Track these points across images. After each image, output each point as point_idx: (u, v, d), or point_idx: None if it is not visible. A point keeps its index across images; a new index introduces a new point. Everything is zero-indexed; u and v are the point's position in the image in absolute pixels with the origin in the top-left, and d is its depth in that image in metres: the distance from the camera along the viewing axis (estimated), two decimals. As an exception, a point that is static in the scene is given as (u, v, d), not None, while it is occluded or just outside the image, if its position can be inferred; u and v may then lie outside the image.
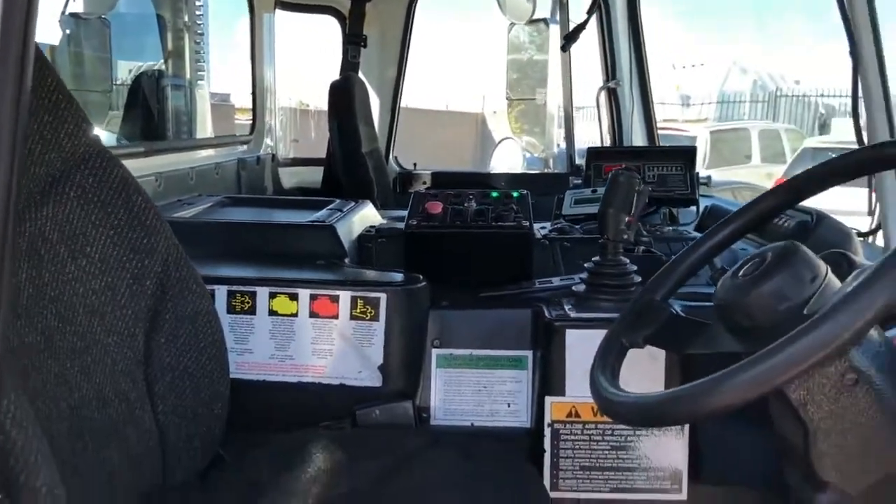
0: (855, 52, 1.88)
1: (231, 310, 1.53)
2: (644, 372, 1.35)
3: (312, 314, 1.53)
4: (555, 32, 3.48)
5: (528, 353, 1.53)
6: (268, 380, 1.53)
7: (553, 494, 1.40)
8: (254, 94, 3.20)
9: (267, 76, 3.25)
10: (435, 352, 1.55)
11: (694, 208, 2.33)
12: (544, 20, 3.50)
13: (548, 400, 1.45)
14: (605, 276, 1.52)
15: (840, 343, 0.87)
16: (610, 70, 3.31)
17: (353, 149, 3.04)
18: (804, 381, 1.01)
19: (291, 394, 1.53)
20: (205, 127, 3.31)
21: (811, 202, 2.01)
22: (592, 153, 2.41)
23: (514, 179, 3.29)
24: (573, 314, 1.48)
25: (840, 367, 1.01)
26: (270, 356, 1.53)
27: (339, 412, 1.52)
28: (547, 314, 1.49)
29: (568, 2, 3.34)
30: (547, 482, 1.45)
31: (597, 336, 1.25)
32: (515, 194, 1.81)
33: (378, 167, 3.27)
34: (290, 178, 3.47)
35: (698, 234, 1.87)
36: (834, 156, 1.24)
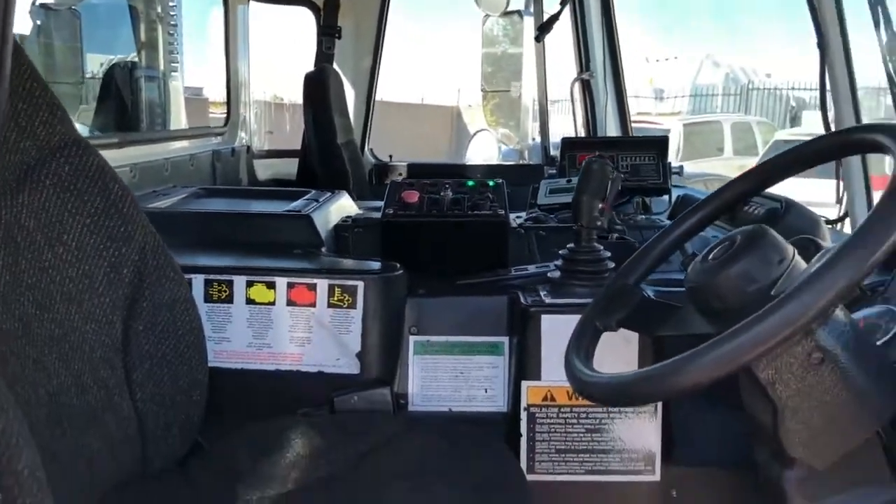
0: (822, 44, 1.93)
1: (208, 298, 1.53)
2: (618, 354, 1.37)
3: (290, 302, 1.53)
4: (529, 24, 3.51)
5: (505, 339, 1.55)
6: (245, 368, 1.54)
7: (529, 477, 1.42)
8: (228, 85, 3.19)
9: (241, 68, 3.24)
10: (412, 339, 1.57)
11: (666, 197, 2.36)
12: (518, 12, 3.52)
13: (524, 384, 1.47)
14: (579, 263, 1.54)
15: (805, 322, 0.89)
16: (584, 61, 3.34)
17: (328, 140, 3.04)
18: (772, 361, 1.04)
19: (269, 382, 1.53)
20: (179, 119, 3.29)
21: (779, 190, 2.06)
22: (567, 143, 2.43)
23: (490, 171, 3.30)
24: (548, 300, 1.50)
25: (807, 347, 1.04)
26: (248, 344, 1.54)
27: (317, 399, 1.53)
28: (523, 300, 1.51)
29: (542, -7, 3.36)
30: (523, 465, 1.47)
31: (572, 321, 1.27)
32: (491, 183, 1.83)
33: (354, 159, 3.27)
34: (265, 169, 3.46)
35: (670, 223, 1.91)
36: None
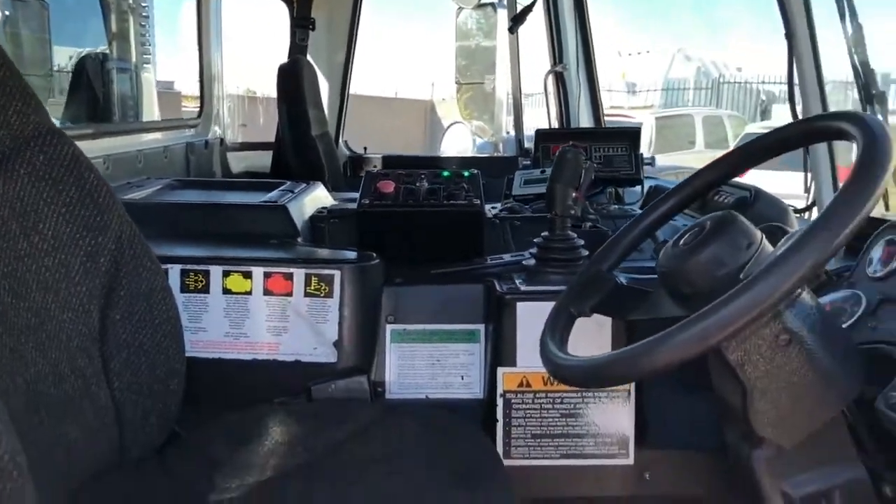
0: (790, 35, 1.96)
1: (185, 288, 1.53)
2: (591, 339, 1.39)
3: (266, 292, 1.54)
4: (503, 17, 3.52)
5: (481, 327, 1.57)
6: (223, 358, 1.54)
7: (506, 462, 1.44)
8: (201, 77, 3.17)
9: (214, 59, 3.21)
10: (389, 327, 1.58)
11: (639, 188, 2.40)
12: (492, 4, 3.54)
13: (500, 371, 1.49)
14: (553, 251, 1.56)
15: (771, 303, 0.92)
16: (557, 54, 3.36)
17: (302, 132, 3.03)
18: (741, 343, 1.07)
19: (246, 371, 1.54)
20: (152, 111, 3.26)
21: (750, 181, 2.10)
22: (540, 135, 2.46)
23: (465, 163, 3.31)
24: (524, 287, 1.52)
25: (774, 329, 1.07)
26: (225, 334, 1.54)
27: (295, 388, 1.54)
28: (498, 288, 1.53)
29: (516, -14, 3.38)
30: (500, 450, 1.49)
31: (547, 308, 1.29)
32: (466, 174, 1.84)
33: (328, 151, 3.27)
34: (238, 162, 3.44)
35: (642, 211, 1.94)
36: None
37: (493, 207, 2.01)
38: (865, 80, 1.80)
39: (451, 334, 1.57)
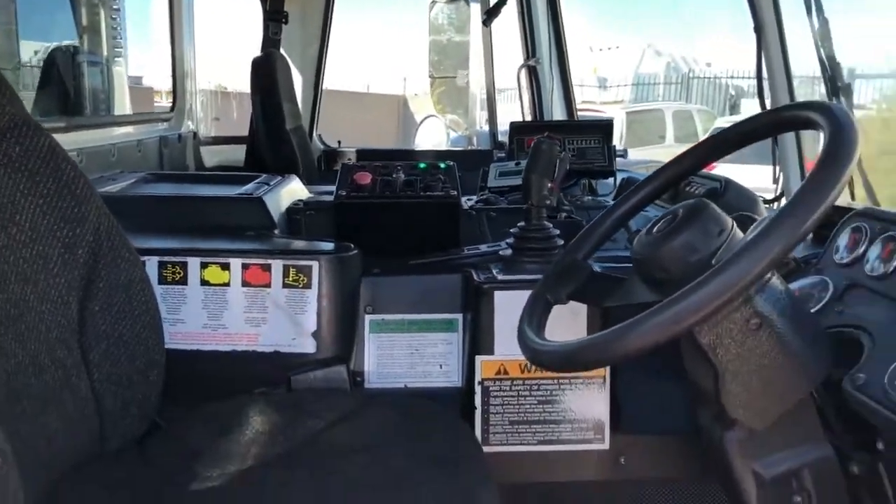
0: (759, 28, 2.00)
1: (162, 280, 1.53)
2: (567, 326, 1.42)
3: (245, 283, 1.54)
4: (476, 11, 3.54)
5: (459, 316, 1.58)
6: (201, 349, 1.54)
7: (484, 449, 1.46)
8: (174, 70, 3.15)
9: (187, 53, 3.19)
10: (368, 318, 1.59)
11: (611, 180, 2.43)
12: (465, -1, 3.55)
13: (478, 359, 1.51)
14: (530, 241, 1.59)
15: (741, 287, 0.95)
16: (530, 48, 3.39)
17: (277, 126, 3.03)
18: (713, 327, 1.10)
19: (225, 362, 1.54)
20: (123, 105, 3.24)
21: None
22: (515, 127, 2.47)
23: (439, 156, 3.33)
24: (501, 277, 1.54)
25: (745, 313, 1.10)
26: (203, 325, 1.54)
27: (274, 379, 1.54)
28: (476, 278, 1.55)
29: (488, -21, 3.40)
30: (478, 437, 1.51)
31: (524, 296, 1.31)
32: (443, 165, 1.86)
33: (302, 145, 3.27)
34: (212, 156, 3.42)
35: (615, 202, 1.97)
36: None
37: (468, 199, 2.03)
38: (832, 72, 1.84)
39: (430, 324, 1.59)
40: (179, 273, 1.54)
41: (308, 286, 1.55)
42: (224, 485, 1.22)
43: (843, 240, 1.40)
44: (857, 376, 1.09)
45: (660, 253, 1.14)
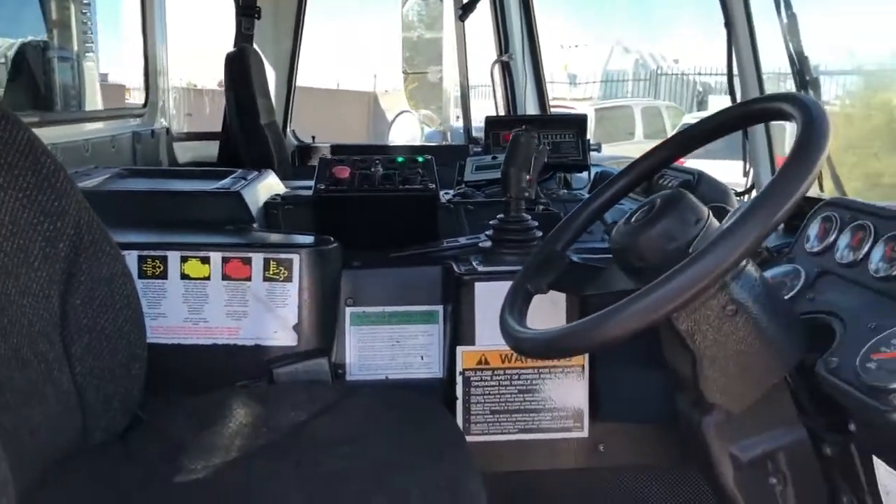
0: (729, 24, 2.04)
1: (142, 275, 1.53)
2: (547, 315, 1.44)
3: (225, 277, 1.54)
4: (449, 7, 3.55)
5: (439, 308, 1.60)
6: (182, 343, 1.54)
7: (466, 438, 1.47)
8: (146, 66, 3.12)
9: (159, 48, 3.17)
10: (349, 310, 1.60)
11: (586, 174, 2.46)
12: (438, -6, 3.56)
13: (459, 350, 1.53)
14: (509, 233, 1.61)
15: (718, 273, 0.97)
16: (503, 44, 3.41)
17: (251, 121, 3.02)
18: (691, 313, 1.13)
19: (206, 356, 1.54)
20: (95, 101, 3.20)
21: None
22: (490, 122, 2.49)
23: (414, 151, 3.32)
24: (481, 268, 1.56)
25: (722, 300, 1.13)
26: (184, 319, 1.54)
27: (256, 372, 1.54)
28: (456, 269, 1.56)
29: (461, -25, 3.41)
30: (460, 427, 1.53)
31: (504, 287, 1.33)
32: (420, 159, 1.87)
33: (276, 140, 3.26)
34: (185, 152, 3.40)
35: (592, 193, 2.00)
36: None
37: (445, 193, 2.04)
38: (800, 67, 1.88)
39: (410, 316, 1.60)
40: (159, 267, 1.54)
41: (289, 279, 1.55)
42: (209, 477, 1.22)
43: (814, 229, 1.43)
44: (829, 360, 1.12)
45: (638, 241, 1.16)
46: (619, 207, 1.58)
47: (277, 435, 1.33)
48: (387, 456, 1.25)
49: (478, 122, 3.61)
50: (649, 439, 1.57)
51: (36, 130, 1.91)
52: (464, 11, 3.29)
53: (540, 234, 1.61)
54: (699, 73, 15.96)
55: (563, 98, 14.37)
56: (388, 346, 1.60)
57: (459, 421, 1.53)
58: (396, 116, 3.82)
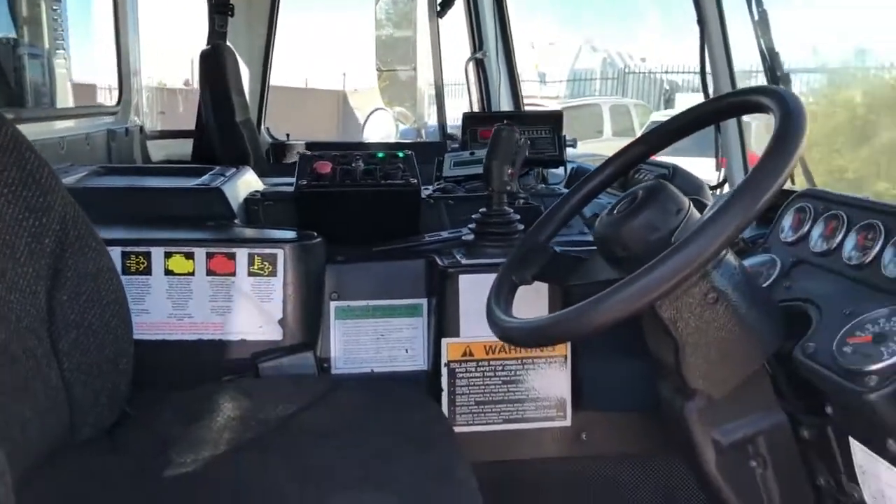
0: (701, 21, 2.08)
1: (126, 271, 1.52)
2: (530, 306, 1.46)
3: (209, 272, 1.55)
4: (422, 5, 3.56)
5: (423, 301, 1.62)
6: (167, 339, 1.54)
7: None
8: (119, 63, 3.09)
9: (132, 45, 3.14)
10: (333, 304, 1.61)
11: (562, 169, 2.49)
12: (412, -9, 3.58)
13: (444, 342, 1.55)
14: (492, 225, 1.63)
15: (702, 261, 1.00)
16: (477, 41, 3.43)
17: (227, 119, 3.01)
18: (674, 301, 1.16)
19: (192, 351, 1.54)
20: (66, 99, 3.16)
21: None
22: (468, 118, 2.51)
23: (390, 149, 3.34)
24: (464, 261, 1.58)
25: (703, 288, 1.16)
26: (168, 315, 1.54)
27: (241, 367, 1.55)
28: (440, 262, 1.58)
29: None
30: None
31: (487, 280, 1.35)
32: (401, 154, 1.88)
33: (252, 138, 3.25)
34: (158, 150, 3.38)
35: (574, 186, 2.03)
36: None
37: (425, 188, 2.06)
38: (771, 62, 1.93)
39: (395, 309, 1.62)
40: (143, 263, 1.53)
41: (273, 274, 1.56)
42: (199, 470, 1.23)
43: (788, 220, 1.48)
44: (807, 345, 1.16)
45: (621, 232, 1.19)
46: (596, 202, 1.61)
47: (266, 428, 1.34)
48: (377, 446, 1.27)
49: (451, 119, 3.64)
50: (630, 428, 1.60)
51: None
52: (442, 8, 3.31)
53: (522, 227, 1.64)
54: (666, 72, 16.14)
55: (534, 96, 14.45)
56: (372, 339, 1.61)
57: (445, 412, 1.55)
58: (371, 114, 3.83)
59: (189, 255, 1.54)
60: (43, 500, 1.15)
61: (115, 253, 1.51)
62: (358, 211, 1.76)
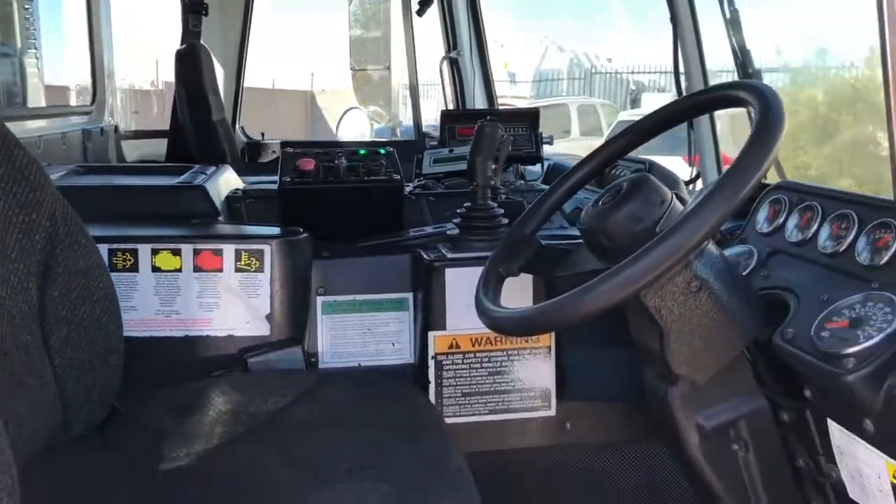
0: (674, 20, 2.13)
1: (113, 268, 1.52)
2: (515, 299, 1.49)
3: (197, 269, 1.55)
4: (396, 4, 3.58)
5: (409, 295, 1.64)
6: (155, 336, 1.55)
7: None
8: (93, 63, 3.07)
9: (105, 45, 3.12)
10: (320, 299, 1.63)
11: (539, 166, 2.52)
12: (386, -9, 3.59)
13: (431, 335, 1.57)
14: (476, 220, 1.65)
15: (686, 251, 1.04)
16: (451, 41, 3.46)
17: (204, 118, 3.00)
18: (659, 290, 1.19)
19: (180, 348, 1.55)
20: (39, 98, 3.13)
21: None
22: (446, 116, 2.54)
23: (368, 147, 3.36)
24: (450, 255, 1.60)
25: (686, 276, 1.20)
26: (156, 312, 1.55)
27: (230, 362, 1.56)
28: (426, 257, 1.60)
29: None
30: None
31: (473, 273, 1.38)
32: (382, 151, 1.90)
33: (228, 137, 3.24)
34: (132, 150, 3.36)
35: (547, 187, 2.06)
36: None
37: (406, 185, 2.08)
38: (743, 59, 1.98)
39: (381, 303, 1.64)
40: (130, 260, 1.54)
41: (260, 270, 1.57)
42: (193, 464, 1.23)
43: (764, 212, 1.52)
44: (786, 331, 1.20)
45: (607, 223, 1.22)
46: (575, 197, 1.65)
47: (257, 421, 1.35)
48: (369, 436, 1.28)
49: (426, 119, 3.66)
50: (613, 416, 1.64)
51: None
52: (421, 6, 3.33)
53: (506, 221, 1.66)
54: (632, 72, 16.32)
55: (504, 96, 14.52)
56: (359, 333, 1.63)
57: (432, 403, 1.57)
58: (345, 113, 3.83)
59: (176, 252, 1.55)
60: (38, 497, 1.15)
61: (102, 250, 1.50)
62: (342, 207, 1.77)
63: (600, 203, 1.26)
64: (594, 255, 1.29)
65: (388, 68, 3.78)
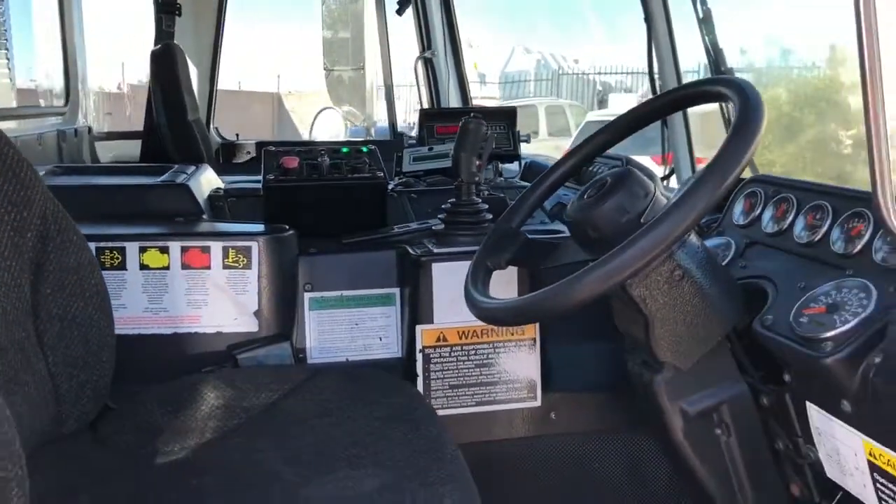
0: (649, 19, 2.18)
1: (101, 266, 1.51)
2: (501, 291, 1.52)
3: (185, 266, 1.56)
4: (369, 5, 3.60)
5: (396, 290, 1.66)
6: (143, 333, 1.55)
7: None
8: (66, 63, 3.04)
9: (78, 45, 3.10)
10: (307, 295, 1.64)
11: (516, 164, 2.56)
12: (360, -8, 3.61)
13: (418, 329, 1.59)
14: (461, 215, 1.68)
15: (671, 240, 1.07)
16: (426, 41, 3.49)
17: (180, 117, 2.99)
18: (644, 279, 1.23)
19: (169, 345, 1.56)
20: (9, 99, 3.09)
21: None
22: (424, 115, 2.56)
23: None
24: (436, 250, 1.63)
25: (670, 266, 1.24)
26: (144, 309, 1.55)
27: (219, 358, 1.57)
28: (413, 252, 1.63)
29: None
30: None
31: (459, 267, 1.41)
32: (365, 149, 1.92)
33: (203, 137, 3.24)
34: (106, 151, 3.34)
35: (526, 184, 2.10)
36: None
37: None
38: (716, 57, 2.03)
39: (368, 299, 1.66)
40: (118, 258, 1.54)
41: (248, 266, 1.58)
42: (188, 458, 1.24)
43: (740, 205, 1.57)
44: (765, 318, 1.25)
45: (593, 215, 1.26)
46: (556, 194, 1.68)
47: (251, 415, 1.36)
48: (364, 427, 1.30)
49: (401, 120, 3.69)
50: (596, 406, 1.67)
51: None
52: (400, 6, 3.35)
53: (490, 216, 1.69)
54: (599, 73, 16.48)
55: (475, 97, 14.57)
56: (347, 328, 1.65)
57: None
58: (319, 113, 3.84)
59: (164, 250, 1.56)
60: (31, 493, 1.15)
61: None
62: (327, 204, 1.78)
63: (586, 196, 1.29)
64: (581, 247, 1.32)
65: (363, 68, 3.80)
